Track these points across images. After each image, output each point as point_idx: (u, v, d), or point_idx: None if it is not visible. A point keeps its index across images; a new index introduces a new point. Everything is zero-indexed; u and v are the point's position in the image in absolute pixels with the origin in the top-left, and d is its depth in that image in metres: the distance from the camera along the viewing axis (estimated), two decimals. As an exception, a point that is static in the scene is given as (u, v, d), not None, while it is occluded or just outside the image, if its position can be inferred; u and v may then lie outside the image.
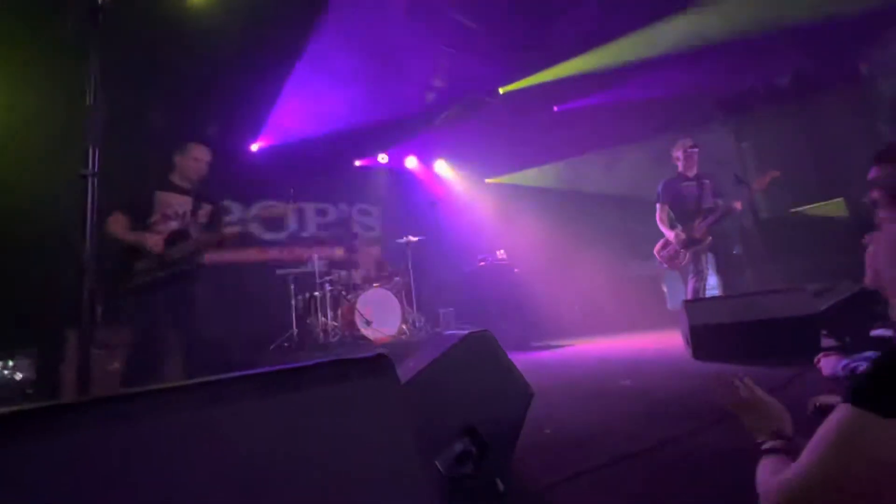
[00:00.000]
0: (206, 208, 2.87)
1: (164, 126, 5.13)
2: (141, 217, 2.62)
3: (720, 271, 3.92)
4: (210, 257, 5.37)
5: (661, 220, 4.04)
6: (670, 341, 3.82)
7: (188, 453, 0.48)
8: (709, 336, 2.91)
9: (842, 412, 0.63)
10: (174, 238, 2.64)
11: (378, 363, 0.58)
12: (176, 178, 2.81)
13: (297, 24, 4.49)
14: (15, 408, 0.45)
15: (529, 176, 7.40)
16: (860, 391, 0.62)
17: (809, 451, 0.66)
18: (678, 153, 4.08)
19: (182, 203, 2.75)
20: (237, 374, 0.52)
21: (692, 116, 6.47)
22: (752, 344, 2.81)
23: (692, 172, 4.00)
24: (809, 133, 5.30)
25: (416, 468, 0.55)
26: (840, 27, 4.79)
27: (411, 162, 7.30)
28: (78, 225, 1.22)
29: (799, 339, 2.71)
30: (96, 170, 1.03)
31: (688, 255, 3.90)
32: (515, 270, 5.76)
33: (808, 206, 4.63)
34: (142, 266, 2.53)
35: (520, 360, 4.06)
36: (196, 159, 2.81)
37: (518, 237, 6.72)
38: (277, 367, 0.54)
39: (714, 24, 5.02)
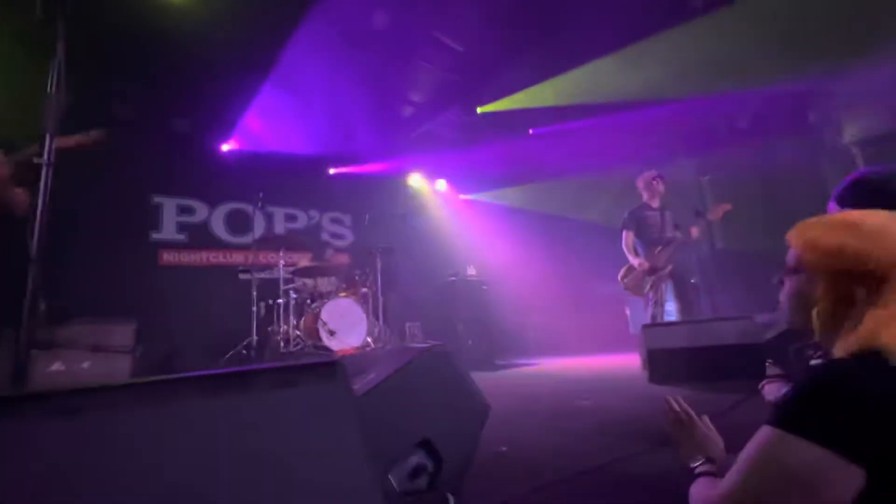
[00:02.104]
0: None
1: (128, 118, 4.97)
2: None
3: (679, 298, 4.06)
4: (168, 258, 5.23)
5: (626, 246, 4.18)
6: (630, 363, 3.93)
7: (125, 452, 0.46)
8: (664, 360, 3.02)
9: (764, 433, 0.67)
10: None
11: (330, 369, 0.58)
12: None
13: (276, 29, 4.47)
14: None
15: (503, 195, 7.55)
16: (781, 414, 0.66)
17: (736, 470, 0.70)
18: (641, 184, 4.29)
19: None
20: (181, 374, 0.51)
21: (658, 149, 6.81)
22: (703, 369, 2.93)
23: (656, 203, 4.21)
24: (763, 172, 5.68)
25: (366, 480, 0.55)
26: (793, 81, 5.22)
27: (386, 173, 7.30)
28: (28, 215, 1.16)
29: (746, 366, 2.85)
30: (52, 159, 0.99)
31: (650, 282, 4.04)
32: (485, 287, 5.82)
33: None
34: None
35: (484, 377, 4.11)
36: None
37: (489, 254, 6.81)
38: (223, 370, 0.53)
39: (681, 70, 5.37)
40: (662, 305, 4.05)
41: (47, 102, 1.04)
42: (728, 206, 4.05)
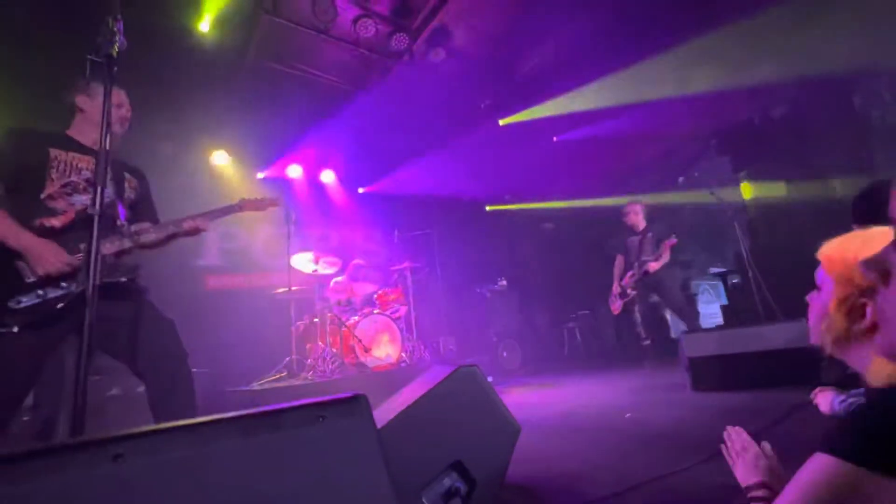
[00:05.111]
0: (131, 180, 1.88)
1: (171, 153, 5.30)
2: (26, 186, 1.59)
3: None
4: (212, 283, 5.49)
5: (615, 269, 4.70)
6: (672, 371, 3.78)
7: (171, 495, 0.50)
8: (707, 367, 2.89)
9: (829, 464, 0.61)
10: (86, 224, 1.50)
11: (353, 403, 0.61)
12: (78, 134, 1.75)
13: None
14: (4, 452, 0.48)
15: (529, 205, 7.48)
16: (854, 445, 0.61)
17: (791, 499, 0.65)
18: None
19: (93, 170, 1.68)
20: (219, 416, 0.55)
21: (690, 146, 6.58)
22: (751, 374, 2.79)
23: (639, 227, 4.61)
24: (804, 162, 5.38)
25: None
26: (833, 61, 4.93)
27: (413, 188, 7.40)
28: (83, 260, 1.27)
29: (799, 370, 2.69)
30: (102, 209, 1.10)
31: (621, 304, 4.58)
32: (517, 299, 5.77)
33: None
34: (34, 275, 1.48)
35: (518, 390, 4.06)
36: (119, 105, 1.80)
37: (519, 265, 6.75)
38: (257, 410, 0.57)
39: (710, 62, 5.19)
40: (636, 327, 4.52)
41: (98, 157, 1.15)
42: (673, 241, 4.32)
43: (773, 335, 2.80)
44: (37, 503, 0.45)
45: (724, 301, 5.95)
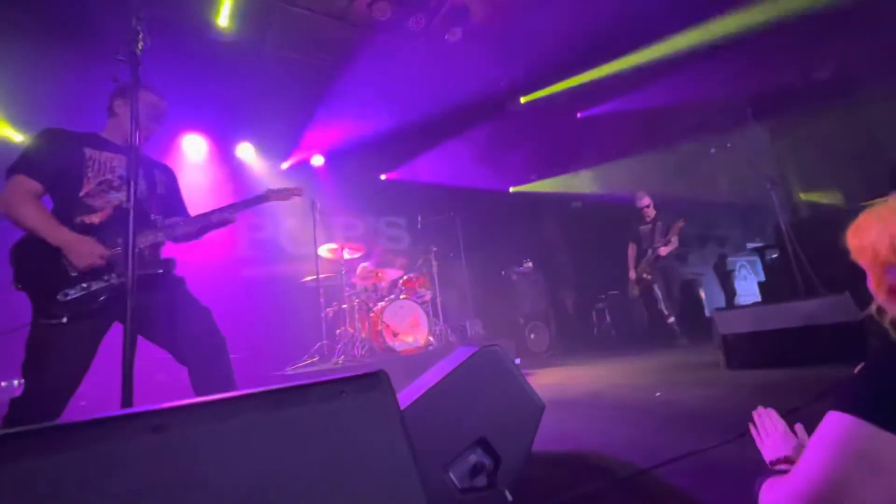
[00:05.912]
0: (160, 176, 2.00)
1: (199, 147, 5.46)
2: (66, 185, 1.67)
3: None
4: (243, 272, 5.69)
5: (629, 256, 5.07)
6: (706, 349, 3.69)
7: (207, 463, 0.54)
8: (742, 344, 2.81)
9: (845, 423, 0.62)
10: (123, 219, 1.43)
11: (374, 380, 0.63)
12: (111, 136, 1.86)
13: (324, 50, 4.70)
14: (28, 427, 0.50)
15: (555, 184, 7.33)
16: (872, 405, 0.61)
17: (815, 461, 0.65)
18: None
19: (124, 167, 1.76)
20: (249, 391, 0.58)
21: (725, 116, 6.25)
22: (790, 351, 2.69)
23: (649, 217, 4.95)
24: (852, 129, 5.03)
25: (412, 484, 0.59)
26: (881, 14, 4.54)
27: (436, 172, 7.38)
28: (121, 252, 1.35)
29: (842, 345, 2.57)
30: (135, 204, 1.16)
31: (637, 289, 4.98)
32: (543, 280, 5.72)
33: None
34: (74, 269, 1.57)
35: (546, 371, 4.05)
36: (153, 105, 1.85)
37: (545, 246, 6.66)
38: (281, 385, 0.60)
39: (748, 16, 4.88)
40: (656, 306, 4.79)
41: (130, 154, 1.21)
42: (681, 224, 4.63)
43: (813, 310, 2.68)
44: (81, 472, 0.49)
45: (762, 277, 5.71)
